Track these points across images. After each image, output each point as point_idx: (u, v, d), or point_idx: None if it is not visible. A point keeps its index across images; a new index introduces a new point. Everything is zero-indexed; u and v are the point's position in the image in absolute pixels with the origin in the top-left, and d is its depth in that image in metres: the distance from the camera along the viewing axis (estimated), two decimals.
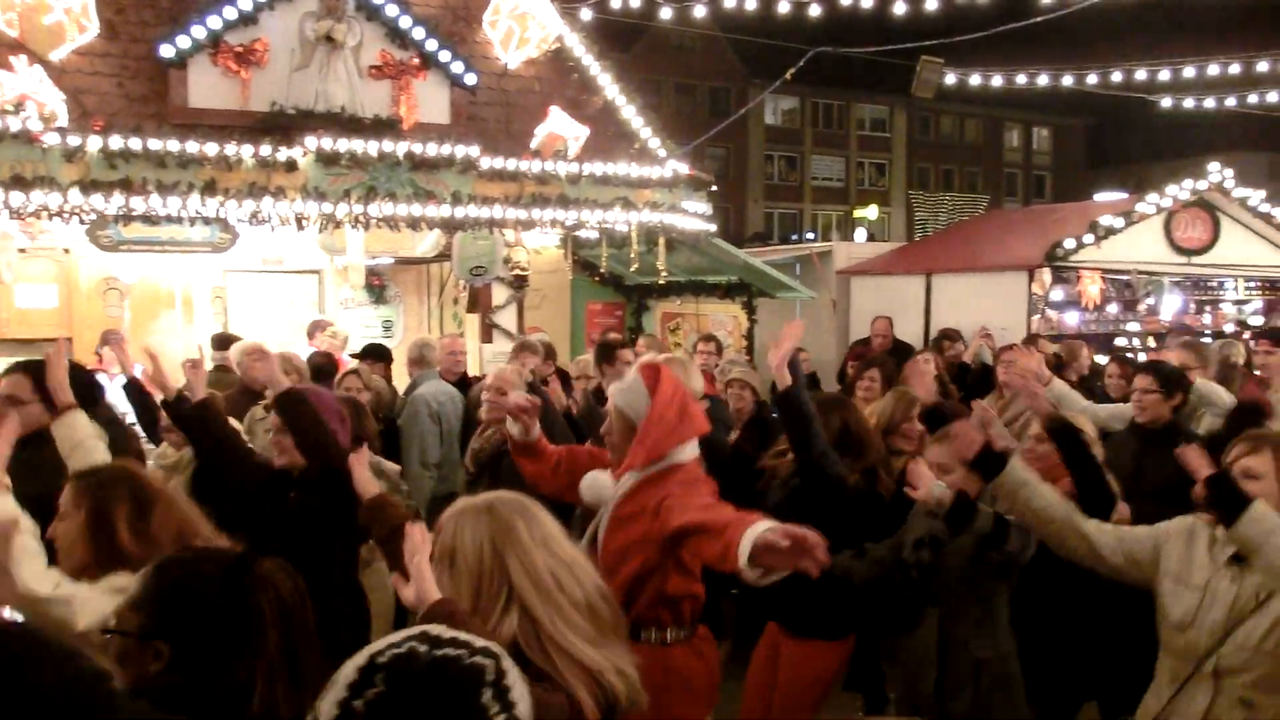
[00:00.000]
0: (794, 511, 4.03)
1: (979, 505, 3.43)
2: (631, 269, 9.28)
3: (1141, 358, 9.13)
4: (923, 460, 3.60)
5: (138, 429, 5.61)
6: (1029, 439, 4.28)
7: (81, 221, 7.12)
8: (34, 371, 3.86)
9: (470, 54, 9.03)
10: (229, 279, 9.24)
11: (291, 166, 7.41)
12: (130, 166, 6.96)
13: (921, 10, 11.87)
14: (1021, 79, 14.12)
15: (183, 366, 4.21)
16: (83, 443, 3.45)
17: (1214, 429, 5.23)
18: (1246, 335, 10.76)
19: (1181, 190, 11.76)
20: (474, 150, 7.97)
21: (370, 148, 7.62)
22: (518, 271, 9.21)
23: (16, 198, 6.71)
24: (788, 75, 14.41)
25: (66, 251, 8.50)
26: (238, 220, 7.41)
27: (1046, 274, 11.23)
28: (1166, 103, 14.69)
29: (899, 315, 10.55)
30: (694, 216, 9.20)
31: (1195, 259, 12.05)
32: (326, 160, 7.49)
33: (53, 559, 2.68)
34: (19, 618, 2.51)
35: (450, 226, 8.20)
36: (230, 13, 7.91)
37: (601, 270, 10.20)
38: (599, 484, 3.28)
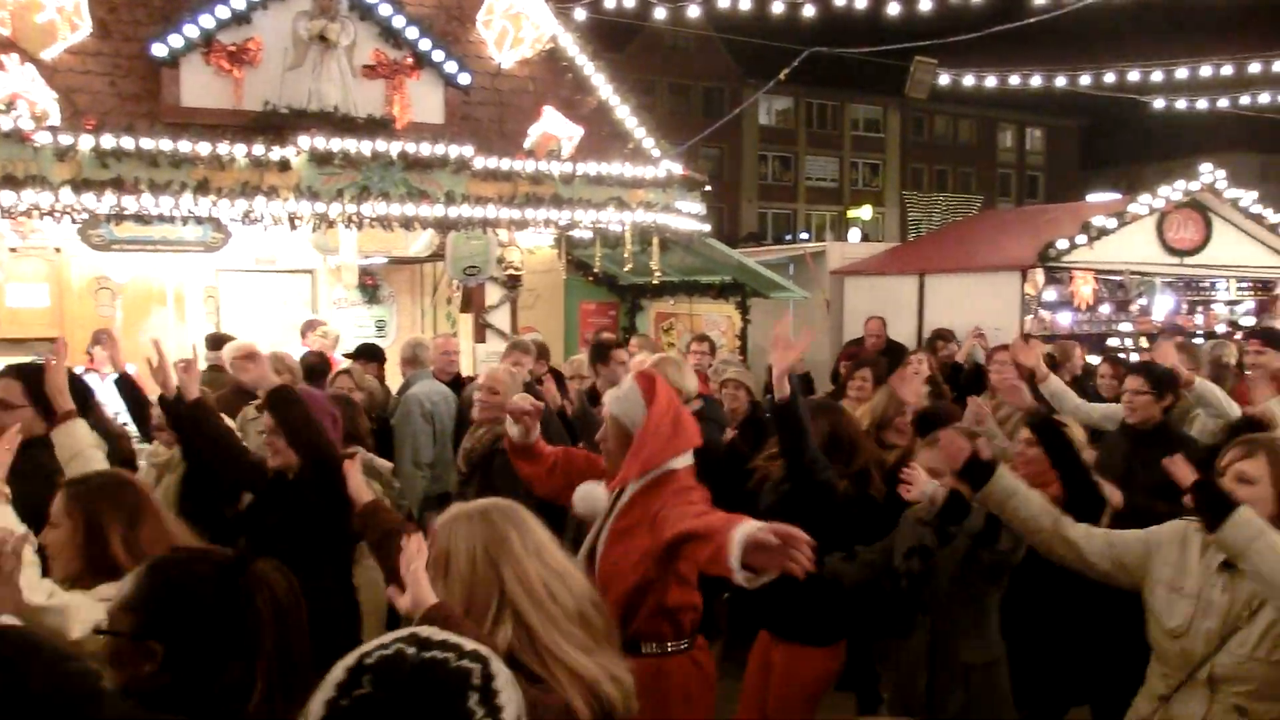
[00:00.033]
0: (785, 515, 4.03)
1: (972, 503, 3.43)
2: (625, 269, 9.27)
3: (1134, 358, 9.16)
4: (916, 464, 3.60)
5: (129, 428, 5.59)
6: (1020, 441, 4.29)
7: (73, 221, 7.10)
8: (25, 375, 3.82)
9: (464, 54, 9.01)
10: (221, 278, 9.22)
11: (284, 166, 7.40)
12: (122, 165, 6.94)
13: (915, 11, 11.89)
14: (1015, 80, 14.15)
15: (175, 367, 4.19)
16: (82, 452, 3.44)
17: (1207, 429, 5.25)
18: (1238, 335, 10.79)
19: (1174, 191, 11.79)
20: (468, 150, 7.96)
21: (364, 147, 7.60)
22: (511, 271, 9.20)
23: (8, 197, 6.68)
24: (782, 75, 14.41)
25: (58, 251, 8.47)
26: (230, 220, 7.40)
27: (1039, 274, 11.26)
28: (1159, 104, 14.73)
29: (892, 315, 10.56)
30: (688, 216, 9.20)
31: (1187, 259, 12.09)
32: (320, 160, 7.48)
33: (43, 566, 2.67)
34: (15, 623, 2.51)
35: (444, 226, 8.19)
36: (223, 12, 7.88)
37: (595, 270, 10.20)
38: (592, 496, 3.27)
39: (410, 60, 8.57)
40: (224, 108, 7.93)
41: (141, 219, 7.13)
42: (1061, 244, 11.25)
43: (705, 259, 10.62)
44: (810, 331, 4.35)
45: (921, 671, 3.74)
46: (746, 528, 2.52)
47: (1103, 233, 11.40)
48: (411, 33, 8.53)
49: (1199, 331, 11.89)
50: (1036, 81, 14.23)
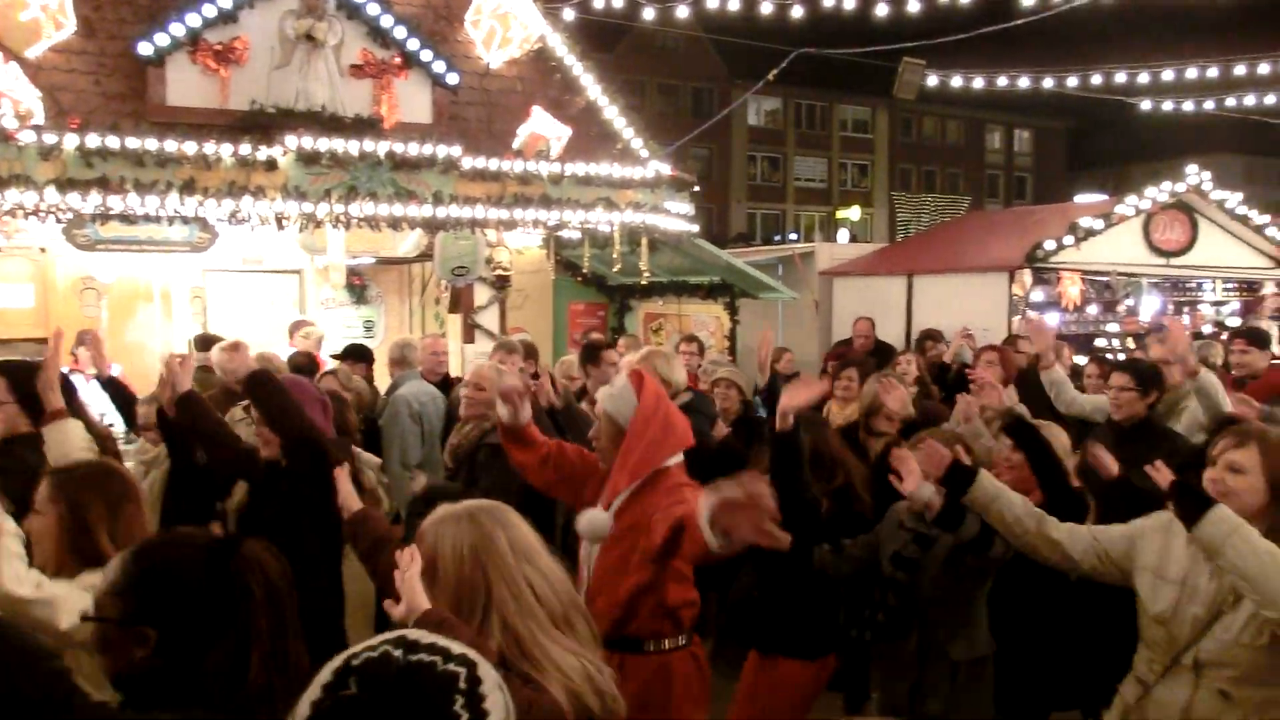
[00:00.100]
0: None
1: (967, 510, 3.44)
2: (614, 269, 9.27)
3: (1121, 359, 9.18)
4: (909, 453, 3.60)
5: (115, 428, 5.56)
6: (1004, 446, 4.31)
7: (58, 220, 7.05)
8: (9, 371, 3.81)
9: (452, 53, 8.99)
10: (208, 279, 9.18)
11: (271, 166, 7.37)
12: (107, 165, 6.89)
13: (903, 12, 11.92)
14: (1003, 81, 14.22)
15: (170, 360, 4.18)
16: (70, 454, 3.42)
17: (1196, 421, 5.27)
18: (1224, 336, 10.85)
19: (1160, 192, 11.86)
20: (456, 150, 7.94)
21: (351, 147, 7.58)
22: (500, 272, 9.19)
23: None
24: (770, 76, 14.44)
25: (43, 251, 8.41)
26: (217, 220, 7.35)
27: (1027, 275, 11.31)
28: (1146, 105, 14.82)
29: (881, 316, 10.58)
30: (676, 217, 9.21)
31: (1174, 260, 12.16)
32: (307, 159, 7.45)
33: (30, 557, 2.66)
34: None
35: (432, 226, 8.17)
36: (209, 10, 7.85)
37: (584, 271, 10.19)
38: (597, 522, 3.25)
39: (398, 60, 8.54)
40: (210, 107, 7.89)
41: (127, 219, 7.08)
42: (1049, 245, 11.30)
43: (694, 259, 10.63)
44: (824, 383, 4.36)
45: (909, 670, 3.76)
46: (712, 494, 2.59)
47: (1090, 234, 11.46)
48: (399, 32, 8.51)
49: (1185, 332, 11.95)
50: (1024, 83, 14.30)
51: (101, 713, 1.66)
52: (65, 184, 6.79)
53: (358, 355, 7.22)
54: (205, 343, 7.20)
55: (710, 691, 3.45)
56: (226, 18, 7.93)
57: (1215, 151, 38.76)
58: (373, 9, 8.39)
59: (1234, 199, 12.36)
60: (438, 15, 9.39)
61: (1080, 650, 3.91)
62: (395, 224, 7.90)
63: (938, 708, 3.67)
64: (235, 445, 4.06)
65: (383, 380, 7.14)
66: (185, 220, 7.28)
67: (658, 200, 8.90)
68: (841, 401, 6.07)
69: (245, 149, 7.29)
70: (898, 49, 13.63)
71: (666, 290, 11.05)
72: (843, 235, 33.62)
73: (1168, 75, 13.46)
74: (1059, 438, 4.00)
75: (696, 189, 10.18)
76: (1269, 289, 12.96)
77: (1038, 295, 11.60)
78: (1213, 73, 13.37)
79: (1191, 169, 12.09)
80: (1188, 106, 14.54)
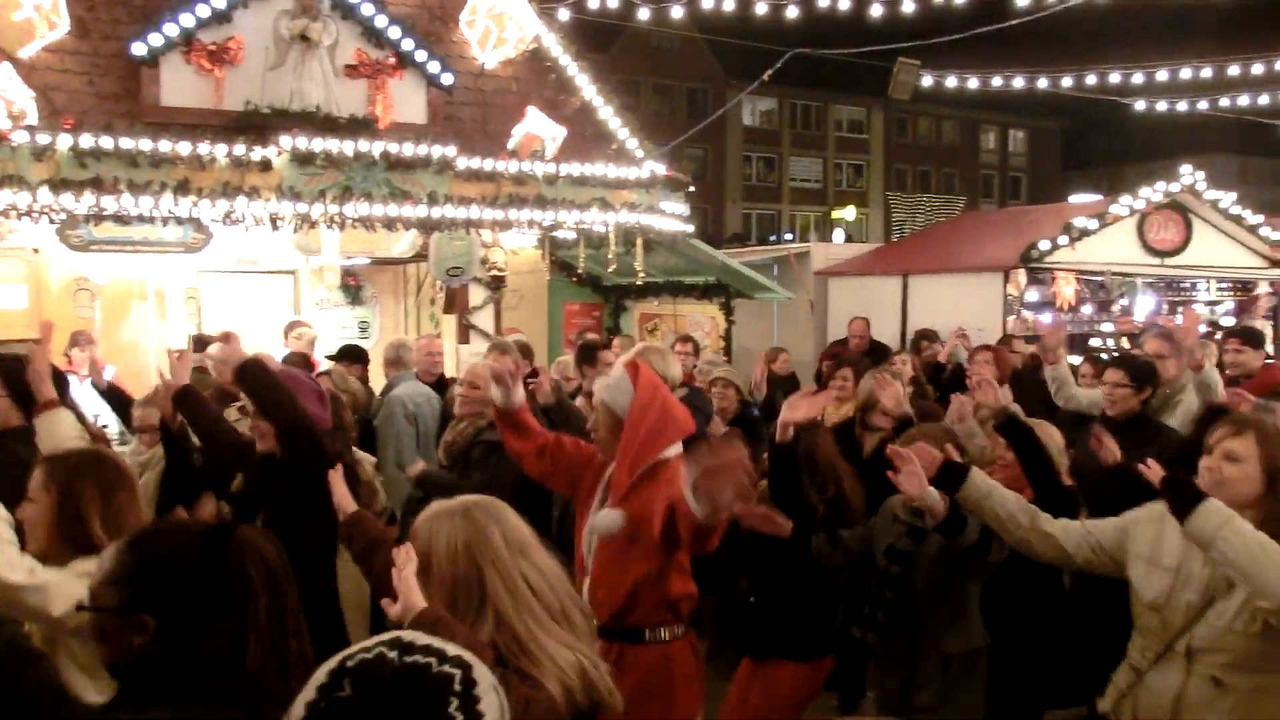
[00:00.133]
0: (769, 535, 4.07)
1: (968, 517, 3.46)
2: (609, 270, 9.26)
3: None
4: (910, 453, 3.61)
5: (109, 429, 5.56)
6: (999, 445, 4.32)
7: (51, 221, 7.03)
8: (2, 367, 3.80)
9: (447, 54, 8.98)
10: (203, 279, 9.16)
11: (266, 166, 7.35)
12: (101, 165, 6.87)
13: (898, 12, 11.93)
14: (997, 81, 14.25)
15: (168, 354, 4.19)
16: (62, 444, 3.41)
17: (1191, 414, 5.29)
18: (1218, 336, 10.87)
19: (1154, 192, 11.89)
20: (450, 150, 7.93)
21: (346, 147, 7.57)
22: (495, 272, 9.17)
23: None
24: (765, 76, 14.45)
25: (36, 251, 8.39)
26: (211, 220, 7.34)
27: (1022, 275, 11.33)
28: (1140, 105, 14.85)
29: (876, 316, 10.60)
30: (671, 217, 9.21)
31: (1168, 260, 12.19)
32: (301, 160, 7.43)
33: (22, 544, 2.65)
34: None
35: (427, 227, 8.16)
36: (203, 10, 7.83)
37: (579, 271, 10.18)
38: (610, 520, 3.26)
39: (393, 60, 8.53)
40: (204, 107, 7.87)
41: (121, 219, 7.06)
42: (1043, 245, 11.32)
43: (689, 260, 10.63)
44: (825, 396, 4.39)
45: (901, 663, 3.77)
46: (691, 464, 2.73)
47: (1084, 234, 11.48)
48: (394, 32, 8.50)
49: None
50: (1019, 83, 14.33)
51: (90, 714, 1.65)
52: (59, 184, 6.77)
53: (352, 356, 7.20)
54: (200, 343, 7.19)
55: (705, 682, 3.49)
56: (221, 18, 7.91)
57: (1210, 151, 38.87)
58: (367, 9, 8.38)
59: (1228, 199, 12.39)
60: (432, 15, 9.38)
61: (1074, 647, 3.92)
62: (390, 224, 7.89)
63: (929, 700, 3.69)
64: (233, 439, 4.06)
65: (377, 381, 7.13)
66: (179, 221, 7.27)
67: (653, 200, 8.90)
68: (836, 401, 6.08)
69: (240, 149, 7.28)
70: (893, 49, 13.65)
71: (662, 290, 11.06)
72: (838, 235, 33.66)
73: (1162, 75, 13.49)
74: (1053, 437, 4.02)
75: (691, 189, 10.19)
76: (1263, 288, 13.00)
77: (1032, 295, 11.62)
78: (1207, 73, 13.40)
79: (1186, 169, 12.12)
80: (1182, 107, 14.58)
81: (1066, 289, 11.62)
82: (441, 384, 6.82)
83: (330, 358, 7.32)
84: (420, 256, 8.96)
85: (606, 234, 8.69)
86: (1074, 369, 7.47)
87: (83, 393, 6.18)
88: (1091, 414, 5.38)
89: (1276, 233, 12.72)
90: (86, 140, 6.84)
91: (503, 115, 9.00)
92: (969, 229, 14.91)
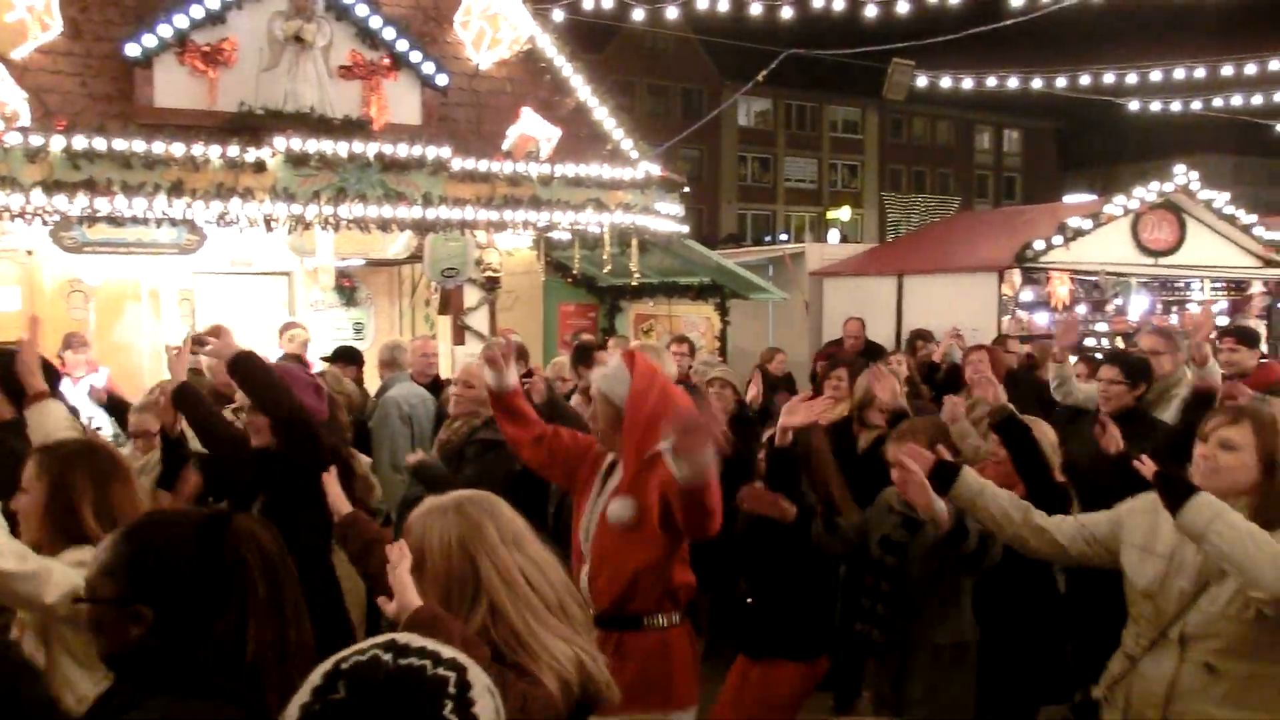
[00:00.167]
0: (761, 530, 4.07)
1: (969, 527, 3.48)
2: (604, 270, 9.26)
3: None
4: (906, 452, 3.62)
5: (102, 431, 5.54)
6: (992, 442, 4.33)
7: (44, 223, 7.01)
8: None
9: (441, 54, 8.98)
10: (197, 281, 9.14)
11: (260, 167, 7.34)
12: (94, 167, 6.85)
13: (893, 13, 11.95)
14: (992, 81, 14.27)
15: (167, 350, 4.19)
16: (53, 434, 3.41)
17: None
18: (1213, 335, 10.88)
19: (1148, 192, 11.92)
20: (445, 151, 7.92)
21: (340, 149, 7.55)
22: (490, 273, 9.17)
23: None
24: (760, 77, 14.47)
25: (29, 253, 8.37)
26: (205, 222, 7.32)
27: (1016, 275, 11.34)
28: (1134, 105, 14.88)
29: (871, 316, 10.61)
30: (667, 218, 9.20)
31: (1162, 260, 12.21)
32: (296, 161, 7.42)
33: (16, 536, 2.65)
34: None
35: (421, 228, 8.15)
36: (197, 11, 7.82)
37: (574, 272, 10.18)
38: (622, 509, 3.27)
39: (387, 61, 8.52)
40: (198, 108, 7.86)
41: (114, 221, 7.04)
42: (1038, 245, 11.33)
43: (684, 260, 10.63)
44: (824, 402, 4.41)
45: (895, 653, 3.77)
46: (666, 433, 2.85)
47: (1078, 233, 11.50)
48: (388, 33, 8.49)
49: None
50: (1013, 83, 14.36)
51: None
52: (52, 186, 6.75)
53: (347, 357, 7.19)
54: (197, 343, 7.16)
55: (699, 669, 3.54)
56: (214, 19, 7.90)
57: (1204, 151, 38.96)
58: (361, 10, 8.37)
59: (1221, 199, 12.42)
60: (427, 16, 9.37)
61: (1069, 641, 3.94)
62: (385, 226, 7.88)
63: (919, 693, 3.69)
64: (229, 433, 4.07)
65: (372, 382, 7.12)
66: (173, 222, 7.25)
67: (648, 201, 8.90)
68: (832, 402, 6.08)
69: (233, 151, 7.26)
70: (887, 50, 13.67)
71: (657, 291, 11.06)
72: (833, 236, 33.74)
73: (1156, 75, 13.52)
74: (1047, 434, 4.04)
75: (686, 190, 10.19)
76: (1256, 288, 13.03)
77: (1027, 295, 11.64)
78: (1201, 73, 13.44)
79: (1179, 169, 12.15)
80: (1176, 107, 14.62)
81: (1061, 289, 11.65)
82: (436, 385, 6.82)
83: (325, 359, 7.31)
84: (415, 258, 8.95)
85: (601, 235, 8.68)
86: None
87: (76, 395, 6.17)
88: (1087, 409, 5.44)
89: (1270, 232, 12.76)
90: (80, 142, 6.81)
91: (497, 116, 9.00)
92: (964, 229, 14.92)
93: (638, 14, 12.24)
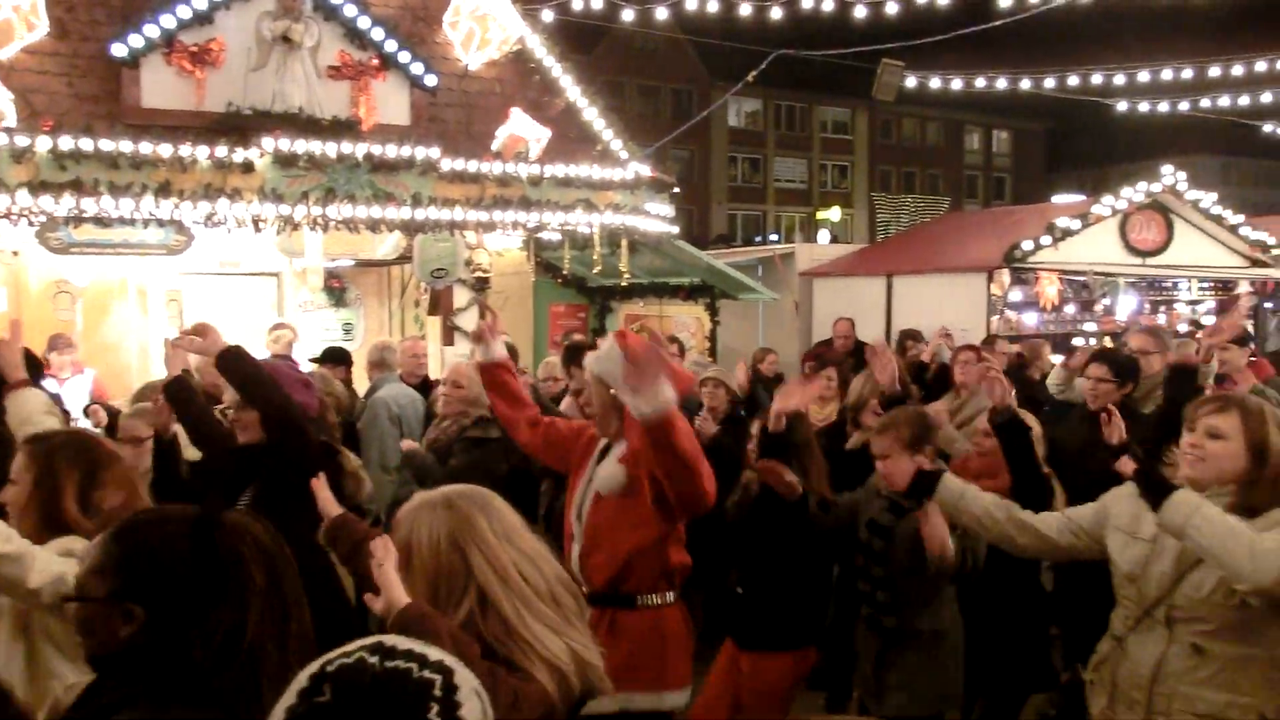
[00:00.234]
0: (755, 519, 4.08)
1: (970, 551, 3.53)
2: (594, 271, 9.26)
3: None
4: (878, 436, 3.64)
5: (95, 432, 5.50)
6: (976, 432, 4.35)
7: (30, 223, 6.97)
8: None
9: (430, 55, 8.96)
10: (185, 282, 9.09)
11: (248, 168, 7.31)
12: (81, 167, 6.82)
13: (882, 14, 11.97)
14: (981, 82, 14.31)
15: (166, 344, 4.19)
16: (31, 418, 3.42)
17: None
18: (1199, 335, 10.94)
19: (1136, 193, 11.97)
20: (434, 152, 7.91)
21: (329, 149, 7.53)
22: (479, 274, 9.15)
23: None
24: (750, 77, 14.47)
25: (15, 254, 8.31)
26: (193, 222, 7.29)
27: (1005, 275, 11.38)
28: (1123, 106, 14.94)
29: (861, 316, 10.63)
30: (656, 218, 9.20)
31: (1150, 260, 12.27)
32: (284, 162, 7.40)
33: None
34: None
35: (410, 228, 8.13)
36: (185, 12, 7.79)
37: (564, 272, 10.17)
38: (611, 475, 3.34)
39: (376, 61, 8.50)
40: (186, 109, 7.83)
41: (101, 222, 7.01)
42: (1027, 245, 11.37)
43: (674, 261, 10.63)
44: (817, 385, 4.43)
45: (874, 640, 3.79)
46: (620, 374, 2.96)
47: (1067, 234, 11.54)
48: (377, 34, 8.47)
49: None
50: (1002, 84, 14.41)
51: None
52: (38, 187, 6.72)
53: (336, 358, 7.16)
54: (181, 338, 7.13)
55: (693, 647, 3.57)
56: (202, 19, 7.87)
57: (1192, 152, 39.19)
58: (350, 10, 8.34)
59: (1209, 199, 12.49)
60: (416, 17, 9.35)
61: (1053, 629, 3.96)
62: (374, 226, 7.86)
63: (895, 679, 3.72)
64: (220, 430, 4.08)
65: (361, 383, 7.10)
66: (161, 223, 7.22)
67: (638, 202, 8.89)
68: (820, 401, 6.10)
69: (221, 151, 7.24)
70: (877, 50, 13.70)
71: (647, 292, 11.05)
72: (823, 236, 33.73)
73: (1144, 77, 13.58)
74: (1032, 426, 4.06)
75: (676, 190, 10.20)
76: (1243, 288, 13.10)
77: (1016, 295, 11.68)
78: (1188, 74, 13.50)
79: (1167, 169, 12.21)
80: (1164, 108, 14.68)
81: (1049, 289, 11.69)
82: (426, 386, 6.80)
83: (314, 360, 7.28)
84: (404, 258, 8.93)
85: (591, 235, 8.68)
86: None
87: (68, 396, 6.13)
88: (1073, 403, 5.50)
89: (1257, 232, 12.83)
90: (66, 142, 6.78)
91: (487, 117, 8.99)
92: (953, 229, 14.97)
93: (627, 14, 12.23)
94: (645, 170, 9.17)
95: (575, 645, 2.14)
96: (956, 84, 14.21)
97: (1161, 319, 12.74)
